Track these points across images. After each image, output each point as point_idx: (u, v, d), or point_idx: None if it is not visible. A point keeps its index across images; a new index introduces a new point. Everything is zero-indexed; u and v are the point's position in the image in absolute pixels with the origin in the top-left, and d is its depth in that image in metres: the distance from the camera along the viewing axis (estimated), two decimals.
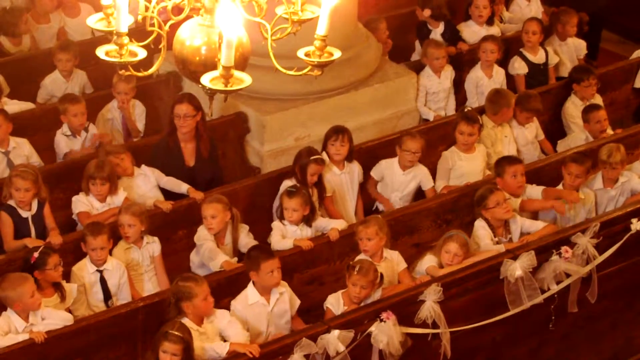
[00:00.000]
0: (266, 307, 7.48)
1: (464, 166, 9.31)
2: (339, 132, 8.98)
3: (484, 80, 10.65)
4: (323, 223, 8.43)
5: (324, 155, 8.85)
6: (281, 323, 7.58)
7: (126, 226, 8.01)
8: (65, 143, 9.32)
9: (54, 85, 10.08)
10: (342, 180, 9.03)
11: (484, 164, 9.40)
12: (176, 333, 6.77)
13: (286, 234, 8.30)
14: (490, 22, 11.44)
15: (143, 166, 8.84)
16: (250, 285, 7.49)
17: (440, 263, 7.96)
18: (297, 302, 7.71)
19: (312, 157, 8.64)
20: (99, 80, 10.12)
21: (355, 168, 9.13)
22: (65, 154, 9.26)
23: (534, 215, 8.83)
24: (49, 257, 7.46)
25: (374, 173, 9.23)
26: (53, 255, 7.49)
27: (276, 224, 8.37)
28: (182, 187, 8.78)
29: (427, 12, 11.15)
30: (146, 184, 8.79)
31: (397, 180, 9.16)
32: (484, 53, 10.60)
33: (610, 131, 9.94)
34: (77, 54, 10.04)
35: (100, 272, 7.82)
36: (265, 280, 7.41)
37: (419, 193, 9.29)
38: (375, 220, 7.97)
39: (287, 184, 8.61)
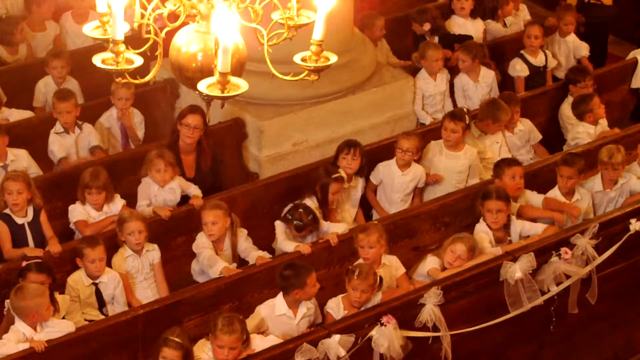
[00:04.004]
0: (292, 319, 7.46)
1: (442, 161, 9.28)
2: (351, 146, 8.94)
3: (469, 85, 10.66)
4: (324, 227, 8.43)
5: (341, 172, 8.83)
6: None
7: (137, 233, 8.02)
8: (58, 145, 9.33)
9: (47, 89, 10.07)
10: (347, 192, 9.03)
11: (466, 167, 9.31)
12: (176, 339, 6.76)
13: (289, 236, 8.32)
14: (473, 15, 11.46)
15: (177, 178, 8.77)
16: (280, 296, 7.46)
17: (442, 265, 7.96)
18: (320, 319, 7.70)
19: (333, 176, 8.61)
20: (94, 88, 10.11)
21: (360, 182, 9.13)
22: (59, 160, 9.23)
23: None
24: (29, 273, 7.44)
25: (373, 178, 9.23)
26: (35, 274, 7.43)
27: (279, 223, 8.36)
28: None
29: (427, 26, 11.14)
30: (174, 197, 8.77)
31: (397, 182, 9.16)
32: (458, 61, 10.63)
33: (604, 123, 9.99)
34: (69, 61, 10.04)
35: (96, 284, 7.84)
36: (309, 293, 7.44)
37: None
38: (376, 227, 7.96)
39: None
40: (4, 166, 8.91)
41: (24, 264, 7.49)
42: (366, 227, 8.00)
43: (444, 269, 7.95)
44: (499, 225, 8.34)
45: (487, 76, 10.72)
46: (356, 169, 9.00)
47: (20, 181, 8.15)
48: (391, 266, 8.02)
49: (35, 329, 7.09)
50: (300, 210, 8.30)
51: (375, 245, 7.84)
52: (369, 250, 7.85)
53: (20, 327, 7.09)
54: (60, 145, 9.36)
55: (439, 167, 9.29)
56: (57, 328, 7.16)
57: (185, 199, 8.78)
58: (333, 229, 8.34)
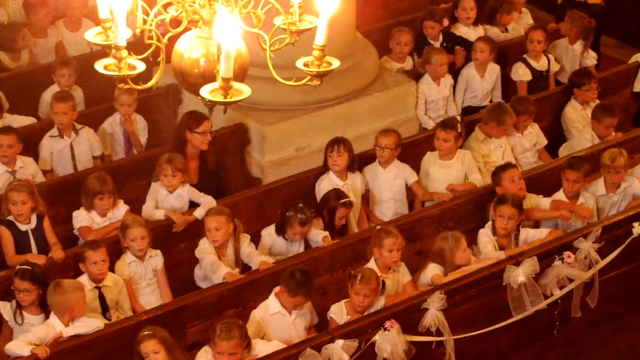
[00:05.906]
0: (287, 317, 7.47)
1: (437, 171, 9.27)
2: (335, 143, 8.97)
3: (475, 79, 10.73)
4: (312, 234, 8.42)
5: (351, 198, 8.78)
6: (302, 335, 7.58)
7: (139, 239, 8.02)
8: (49, 147, 9.33)
9: None
10: (345, 191, 9.01)
11: (461, 172, 9.28)
12: (146, 332, 6.81)
13: (275, 243, 8.36)
14: (475, 23, 11.50)
15: (187, 186, 8.76)
16: (272, 296, 7.48)
17: (444, 271, 7.95)
18: (316, 319, 7.71)
19: (340, 201, 8.60)
20: (97, 94, 10.11)
21: (358, 179, 9.12)
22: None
23: (536, 223, 8.83)
24: (15, 278, 7.48)
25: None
26: (21, 281, 7.45)
27: (267, 233, 8.40)
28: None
29: (446, 22, 11.21)
30: (181, 204, 8.76)
31: (382, 179, 9.18)
32: (474, 52, 10.73)
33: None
34: (77, 69, 10.04)
35: (99, 288, 7.84)
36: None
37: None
38: (395, 228, 7.97)
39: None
40: (13, 172, 8.93)
41: (16, 268, 7.54)
42: (389, 230, 7.93)
43: (446, 275, 7.94)
44: (507, 231, 8.32)
45: (493, 72, 10.81)
46: (344, 166, 8.97)
47: (24, 191, 8.18)
48: (399, 272, 8.02)
49: (67, 325, 7.18)
50: (300, 205, 8.32)
51: (402, 248, 7.87)
52: (397, 253, 7.86)
53: (53, 322, 7.20)
54: (47, 154, 9.34)
55: (434, 178, 9.26)
56: (87, 323, 7.24)
57: (191, 205, 8.77)
58: (317, 236, 8.34)
